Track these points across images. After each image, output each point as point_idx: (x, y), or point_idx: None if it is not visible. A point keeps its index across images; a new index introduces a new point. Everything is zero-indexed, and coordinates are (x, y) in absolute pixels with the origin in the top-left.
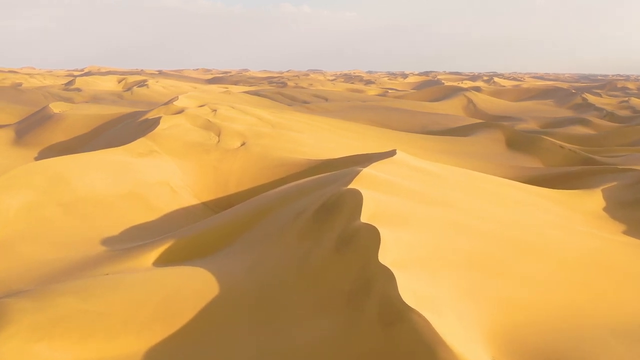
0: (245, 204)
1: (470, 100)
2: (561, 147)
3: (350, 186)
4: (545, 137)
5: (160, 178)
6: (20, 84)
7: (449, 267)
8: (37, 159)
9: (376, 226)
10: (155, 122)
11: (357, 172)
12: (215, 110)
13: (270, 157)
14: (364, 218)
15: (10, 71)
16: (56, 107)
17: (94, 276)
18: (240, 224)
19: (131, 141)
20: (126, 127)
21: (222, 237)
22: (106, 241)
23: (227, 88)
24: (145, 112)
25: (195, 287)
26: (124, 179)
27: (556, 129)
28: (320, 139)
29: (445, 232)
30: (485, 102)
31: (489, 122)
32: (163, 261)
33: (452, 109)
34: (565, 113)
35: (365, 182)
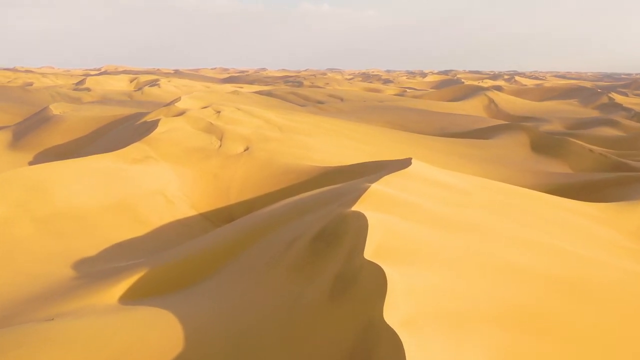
0: (235, 224)
1: (491, 100)
2: (591, 150)
3: (355, 207)
4: (573, 140)
5: (155, 187)
6: (31, 84)
7: (479, 324)
8: (31, 163)
9: (383, 266)
10: (153, 125)
11: (365, 189)
12: (219, 112)
13: (275, 163)
14: (369, 252)
15: (26, 70)
16: (56, 108)
17: (37, 321)
18: (224, 251)
19: (127, 145)
20: (124, 130)
21: (202, 266)
22: (78, 265)
23: (241, 87)
24: (145, 114)
25: (156, 338)
26: (113, 188)
27: (583, 130)
28: (330, 144)
29: (472, 271)
30: (507, 101)
31: (512, 123)
32: (131, 296)
33: (472, 109)
34: (590, 113)
35: (373, 201)
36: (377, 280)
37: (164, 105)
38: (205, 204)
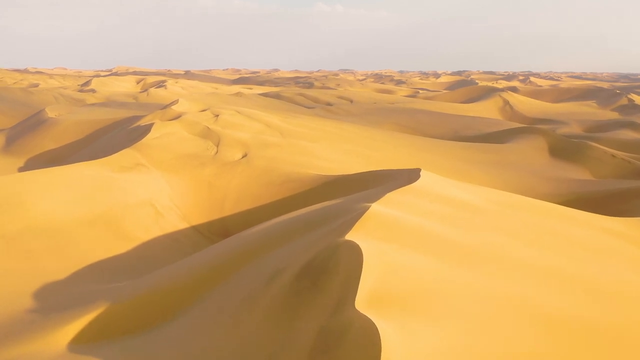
0: (215, 247)
1: (506, 102)
2: (613, 156)
3: (351, 234)
4: (593, 144)
5: (144, 197)
6: (37, 85)
7: None
8: (21, 169)
9: (378, 323)
10: (146, 129)
11: (363, 210)
12: (218, 116)
13: (275, 171)
14: (362, 300)
15: (37, 72)
16: (52, 111)
17: None
18: (198, 282)
19: (116, 152)
20: (117, 135)
21: (170, 303)
22: (40, 291)
23: (250, 88)
24: (141, 117)
25: None
26: (96, 200)
27: (602, 133)
28: (335, 150)
29: (492, 323)
30: (523, 103)
31: (529, 126)
32: (83, 340)
33: (486, 111)
34: (610, 115)
35: (372, 226)
36: (369, 341)
37: (160, 109)
38: (198, 216)
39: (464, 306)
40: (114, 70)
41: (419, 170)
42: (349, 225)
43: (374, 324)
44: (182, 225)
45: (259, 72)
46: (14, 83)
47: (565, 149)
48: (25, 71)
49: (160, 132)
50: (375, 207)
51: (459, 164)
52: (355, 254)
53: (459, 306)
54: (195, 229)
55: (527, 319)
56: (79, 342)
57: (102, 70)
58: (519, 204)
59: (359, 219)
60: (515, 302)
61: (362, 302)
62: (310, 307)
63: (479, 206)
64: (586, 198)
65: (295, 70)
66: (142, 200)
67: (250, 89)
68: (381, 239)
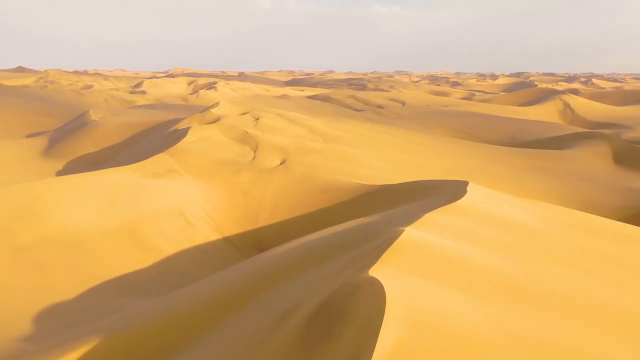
0: (229, 272)
1: (567, 105)
2: None
3: (375, 269)
4: None
5: (174, 206)
6: (90, 86)
7: None
8: (60, 172)
9: None
10: (183, 133)
11: (395, 236)
12: (258, 119)
13: (313, 179)
14: (381, 356)
15: (95, 73)
16: (95, 113)
17: None
18: (204, 316)
19: (151, 156)
20: (155, 138)
21: (173, 337)
22: (46, 313)
23: (302, 90)
24: (179, 120)
25: None
26: (121, 209)
27: None
28: (380, 156)
29: None
30: (585, 106)
31: (591, 131)
32: None
33: (546, 115)
34: None
35: (404, 256)
36: None
37: (200, 112)
38: (231, 226)
39: None
40: (170, 72)
41: (466, 183)
42: (376, 254)
43: None
44: (214, 236)
45: (312, 74)
46: (69, 85)
47: (630, 156)
48: (84, 73)
49: (197, 136)
50: (410, 232)
51: (514, 172)
52: (377, 296)
53: None
54: (227, 240)
55: None
56: None
57: (158, 72)
58: (581, 223)
59: (388, 247)
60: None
61: (382, 358)
62: (323, 356)
63: (533, 227)
64: None
65: (350, 71)
66: (171, 209)
67: (302, 90)
68: (413, 273)
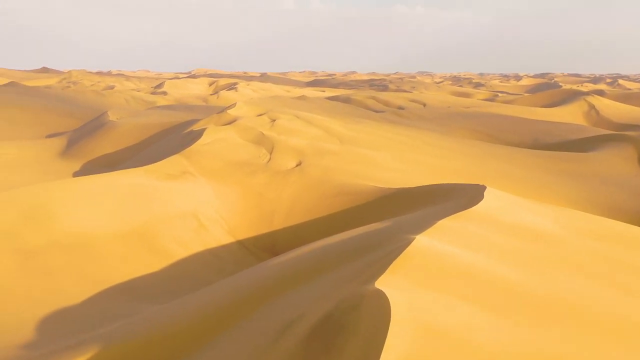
0: (234, 280)
1: (592, 106)
2: None
3: (382, 280)
4: None
5: (187, 208)
6: (112, 87)
7: None
8: (77, 173)
9: None
10: (198, 134)
11: (405, 244)
12: (274, 120)
13: (329, 182)
14: None
15: (118, 74)
16: (113, 114)
17: None
18: (206, 326)
19: (166, 158)
20: (171, 139)
21: (175, 346)
22: (52, 318)
23: (323, 91)
24: (196, 121)
25: None
26: (133, 211)
27: None
28: (398, 158)
29: None
30: (610, 107)
31: (616, 133)
32: None
33: (570, 116)
34: None
35: (413, 266)
36: None
37: (217, 112)
38: (245, 229)
39: None
40: (192, 73)
41: (483, 187)
42: (384, 264)
43: None
44: (227, 239)
45: (335, 75)
46: (91, 85)
47: None
48: (108, 74)
49: (212, 138)
50: (421, 240)
51: (536, 175)
52: (381, 310)
53: None
54: (241, 243)
55: None
56: None
57: (181, 73)
58: (601, 229)
59: (397, 256)
60: None
61: None
62: None
63: (553, 235)
64: None
65: (372, 72)
66: (184, 212)
67: (323, 91)
68: (422, 285)
